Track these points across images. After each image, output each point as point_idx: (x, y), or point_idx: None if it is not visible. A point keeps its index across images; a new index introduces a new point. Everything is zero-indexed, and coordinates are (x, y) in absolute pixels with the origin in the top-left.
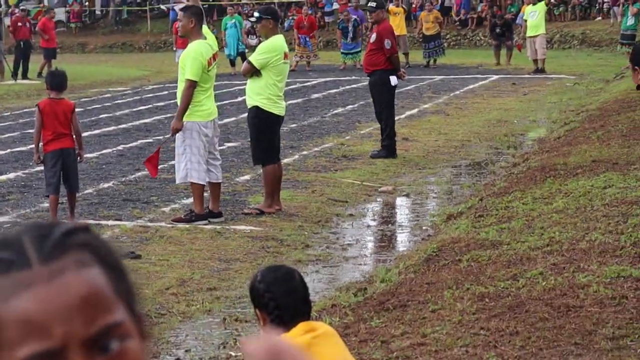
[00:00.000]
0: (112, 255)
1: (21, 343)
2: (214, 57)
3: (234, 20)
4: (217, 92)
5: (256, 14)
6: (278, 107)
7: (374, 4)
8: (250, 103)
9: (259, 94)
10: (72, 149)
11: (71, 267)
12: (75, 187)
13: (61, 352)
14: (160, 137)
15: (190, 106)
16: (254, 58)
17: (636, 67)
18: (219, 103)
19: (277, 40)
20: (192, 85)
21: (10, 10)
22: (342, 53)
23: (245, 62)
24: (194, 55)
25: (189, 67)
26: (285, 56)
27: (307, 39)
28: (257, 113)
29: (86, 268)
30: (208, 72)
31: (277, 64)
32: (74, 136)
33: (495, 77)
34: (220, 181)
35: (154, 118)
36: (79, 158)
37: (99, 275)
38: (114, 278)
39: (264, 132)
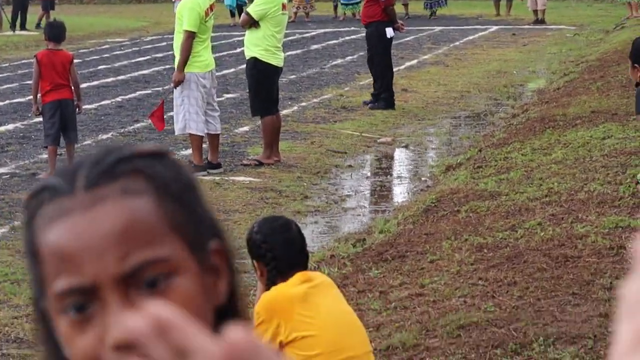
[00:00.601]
0: (176, 184)
1: (55, 277)
2: (211, 7)
3: None
4: (215, 43)
5: None
6: (276, 58)
7: None
8: (248, 54)
9: (257, 45)
10: (70, 100)
11: (114, 194)
12: (74, 138)
13: (94, 289)
14: (159, 89)
15: (190, 57)
16: (252, 9)
17: (636, 65)
18: (217, 54)
19: None
20: (190, 36)
21: None
22: (341, 4)
23: (243, 13)
24: (191, 6)
25: (186, 18)
26: (284, 7)
27: None
28: (256, 64)
29: (132, 196)
30: (205, 23)
31: (275, 15)
32: (73, 87)
33: (494, 27)
34: (218, 132)
35: (153, 69)
36: (77, 109)
37: (147, 204)
38: (172, 209)
39: (263, 83)
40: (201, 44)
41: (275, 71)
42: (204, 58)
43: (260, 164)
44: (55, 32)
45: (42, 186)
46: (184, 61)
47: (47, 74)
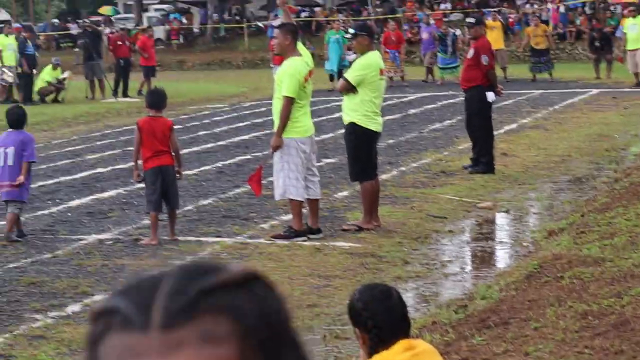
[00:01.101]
0: (266, 327)
1: None
2: (310, 73)
3: (337, 36)
4: (314, 108)
5: (351, 31)
6: (375, 123)
7: (472, 20)
8: (346, 119)
9: (356, 110)
10: (171, 166)
11: (193, 340)
12: (175, 204)
13: None
14: (259, 154)
15: (289, 123)
16: (350, 75)
17: None
18: (316, 119)
19: (373, 57)
20: (289, 102)
21: (110, 30)
22: (439, 68)
23: (341, 79)
24: (291, 72)
25: (286, 84)
26: (381, 72)
27: (396, 54)
28: (354, 129)
29: (212, 344)
30: (304, 89)
31: (373, 81)
32: (173, 153)
33: (595, 91)
34: (318, 197)
35: (252, 134)
36: (178, 175)
37: (230, 356)
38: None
39: (361, 148)
40: (300, 109)
41: (373, 136)
42: (303, 123)
43: (360, 229)
44: (156, 100)
45: (113, 308)
46: (283, 126)
47: (148, 141)
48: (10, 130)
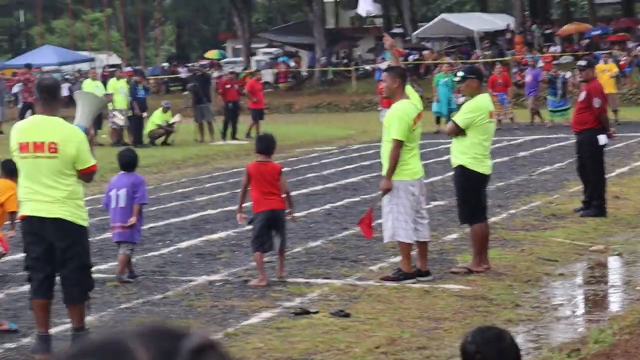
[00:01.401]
0: None
1: None
2: (419, 116)
3: (446, 79)
4: (422, 150)
5: (460, 74)
6: (484, 166)
7: (583, 63)
8: (455, 162)
9: (465, 153)
10: (281, 209)
11: None
12: (284, 245)
13: None
14: (367, 196)
15: (398, 165)
16: (459, 118)
17: None
18: (424, 161)
19: (482, 100)
20: (398, 145)
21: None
22: (549, 111)
23: (450, 122)
24: (400, 115)
25: (394, 127)
26: (491, 115)
27: (504, 97)
28: (463, 172)
29: None
30: (413, 132)
31: (481, 123)
32: (283, 196)
33: None
34: (427, 240)
35: (360, 177)
36: (290, 218)
37: None
38: None
39: (470, 191)
40: (409, 152)
41: (482, 179)
42: (412, 166)
43: (469, 271)
44: (265, 146)
45: None
46: (392, 169)
47: (257, 185)
48: (122, 172)
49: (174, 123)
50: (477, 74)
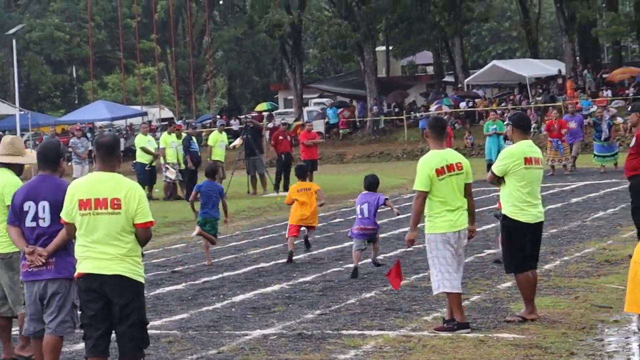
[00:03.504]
0: None
1: None
2: (450, 167)
3: (495, 126)
4: (476, 198)
5: (507, 121)
6: (525, 215)
7: (632, 107)
8: (502, 210)
9: (507, 201)
10: None
11: None
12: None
13: None
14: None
15: (431, 218)
16: (495, 165)
17: None
18: (477, 209)
19: (519, 146)
20: (420, 195)
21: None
22: (595, 155)
23: (490, 170)
24: (421, 165)
25: (416, 177)
26: (528, 161)
27: (559, 142)
28: (506, 221)
29: None
30: (439, 181)
31: (516, 170)
32: None
33: None
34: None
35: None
36: None
37: None
38: None
39: (512, 240)
40: (441, 204)
41: (525, 228)
42: (448, 218)
43: (523, 320)
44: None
45: None
46: (414, 221)
47: None
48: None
49: (234, 146)
50: (516, 121)
